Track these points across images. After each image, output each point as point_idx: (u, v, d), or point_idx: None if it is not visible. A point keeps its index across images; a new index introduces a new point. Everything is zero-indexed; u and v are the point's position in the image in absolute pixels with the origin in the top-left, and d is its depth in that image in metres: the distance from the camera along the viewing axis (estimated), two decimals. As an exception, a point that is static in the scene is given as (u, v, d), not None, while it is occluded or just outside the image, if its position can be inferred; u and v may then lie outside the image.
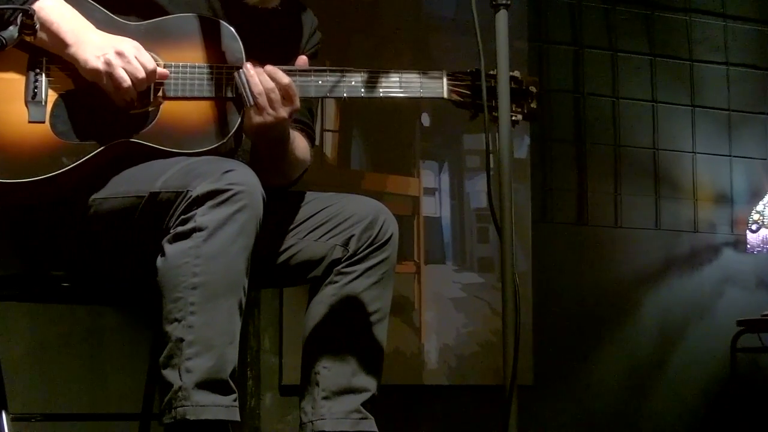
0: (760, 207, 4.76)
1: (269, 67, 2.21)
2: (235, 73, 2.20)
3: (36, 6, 2.07)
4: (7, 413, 2.27)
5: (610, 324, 4.72)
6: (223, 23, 2.27)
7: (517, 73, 2.28)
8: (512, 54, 2.16)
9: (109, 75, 2.13)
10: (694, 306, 4.88)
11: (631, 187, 4.85)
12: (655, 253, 4.85)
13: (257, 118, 2.20)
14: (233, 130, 2.22)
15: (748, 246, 4.77)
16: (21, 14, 1.99)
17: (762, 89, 5.13)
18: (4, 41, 1.97)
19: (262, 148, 2.30)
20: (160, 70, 2.18)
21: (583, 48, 4.83)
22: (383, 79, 2.27)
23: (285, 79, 2.20)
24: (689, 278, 4.90)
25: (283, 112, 2.20)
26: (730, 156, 5.03)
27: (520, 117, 2.28)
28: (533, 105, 2.30)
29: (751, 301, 4.86)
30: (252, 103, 2.18)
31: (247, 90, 2.18)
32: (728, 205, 5.01)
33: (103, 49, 2.14)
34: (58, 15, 2.15)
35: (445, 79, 2.29)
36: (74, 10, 2.18)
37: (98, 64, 2.13)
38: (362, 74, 2.27)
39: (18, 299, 2.53)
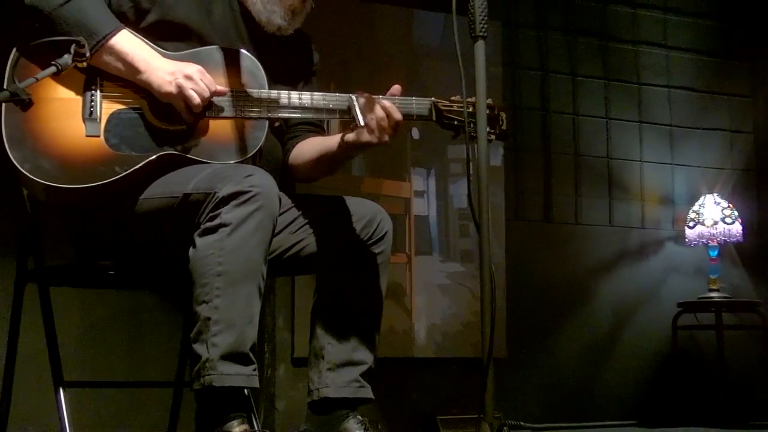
0: (696, 207, 4.78)
1: (386, 102, 2.22)
2: (351, 96, 2.21)
3: (113, 40, 2.12)
4: (63, 383, 2.27)
5: (571, 306, 4.71)
6: (249, 54, 2.27)
7: (490, 101, 2.27)
8: (488, 77, 2.16)
9: (182, 95, 2.14)
10: (642, 291, 4.87)
11: (588, 190, 4.84)
12: (609, 246, 4.85)
13: (366, 137, 2.21)
14: (258, 146, 2.22)
15: (687, 240, 4.78)
16: (74, 44, 2.00)
17: (699, 108, 5.13)
18: (59, 67, 1.98)
19: (345, 157, 2.34)
20: (219, 88, 2.19)
21: (549, 72, 4.83)
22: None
23: (397, 115, 2.22)
24: (638, 267, 4.91)
25: (387, 138, 2.22)
26: (672, 164, 5.03)
27: (493, 137, 2.30)
28: (504, 127, 2.32)
29: (689, 286, 4.86)
30: (363, 124, 2.19)
31: (361, 114, 2.19)
32: (670, 205, 5.01)
33: (174, 74, 2.15)
34: (131, 47, 2.15)
35: (432, 105, 2.30)
36: (139, 40, 2.19)
37: (171, 88, 2.14)
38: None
39: (71, 285, 2.52)
